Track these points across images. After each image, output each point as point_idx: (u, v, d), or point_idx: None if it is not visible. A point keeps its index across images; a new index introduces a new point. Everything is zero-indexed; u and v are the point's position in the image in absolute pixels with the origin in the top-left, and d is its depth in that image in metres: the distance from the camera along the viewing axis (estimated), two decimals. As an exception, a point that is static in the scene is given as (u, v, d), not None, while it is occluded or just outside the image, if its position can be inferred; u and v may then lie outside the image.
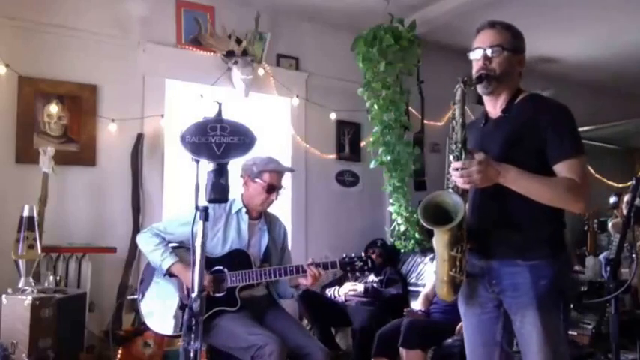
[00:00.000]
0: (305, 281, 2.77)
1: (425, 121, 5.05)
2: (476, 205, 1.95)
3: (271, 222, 3.02)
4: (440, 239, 1.87)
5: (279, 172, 2.89)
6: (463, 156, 1.82)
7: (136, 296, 2.95)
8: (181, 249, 2.85)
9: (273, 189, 2.86)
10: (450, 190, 1.87)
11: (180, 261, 2.76)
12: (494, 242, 1.91)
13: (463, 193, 1.86)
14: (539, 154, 1.86)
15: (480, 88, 1.93)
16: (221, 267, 2.75)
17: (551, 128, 1.84)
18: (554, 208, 1.86)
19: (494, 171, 1.79)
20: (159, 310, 2.78)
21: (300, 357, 2.69)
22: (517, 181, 1.80)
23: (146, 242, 2.82)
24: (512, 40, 1.93)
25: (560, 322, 1.86)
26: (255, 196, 2.87)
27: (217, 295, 2.71)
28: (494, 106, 1.99)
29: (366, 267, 2.78)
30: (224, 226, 2.85)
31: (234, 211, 2.89)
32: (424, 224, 1.86)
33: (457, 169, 1.80)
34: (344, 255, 2.80)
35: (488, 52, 1.90)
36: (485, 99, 2.02)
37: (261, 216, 2.96)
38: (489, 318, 1.97)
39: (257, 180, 2.85)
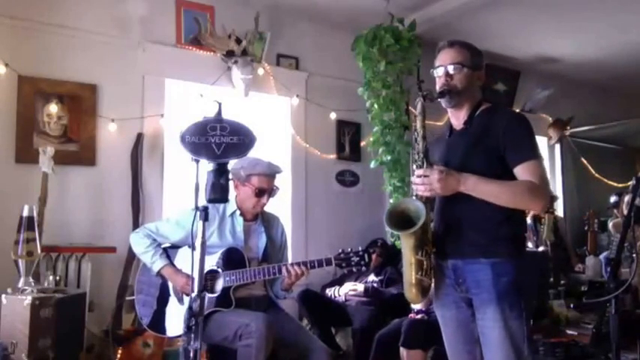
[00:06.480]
0: (287, 280, 2.74)
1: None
2: (441, 209, 2.06)
3: (269, 222, 3.00)
4: (405, 243, 1.99)
5: (267, 175, 2.85)
6: (425, 165, 1.95)
7: (134, 297, 2.96)
8: (175, 249, 2.87)
9: (262, 192, 2.83)
10: (414, 197, 1.98)
11: (170, 264, 2.80)
12: (459, 243, 1.99)
13: (428, 200, 1.97)
14: (499, 160, 1.95)
15: (443, 103, 2.07)
16: (215, 267, 2.74)
17: (509, 134, 1.94)
18: (514, 209, 1.96)
19: (454, 179, 1.91)
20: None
21: (303, 357, 2.69)
22: (477, 188, 1.92)
23: (138, 243, 2.85)
24: (471, 58, 2.07)
25: (522, 321, 1.92)
26: (246, 199, 2.86)
27: (212, 295, 2.70)
28: (457, 119, 2.13)
29: (362, 262, 2.72)
30: (218, 228, 2.83)
31: (228, 213, 2.87)
32: (389, 228, 1.98)
33: (419, 177, 1.93)
34: (340, 250, 2.75)
35: (450, 69, 2.05)
36: (450, 112, 2.15)
37: (257, 217, 2.94)
38: (465, 317, 2.04)
39: (246, 184, 2.83)
